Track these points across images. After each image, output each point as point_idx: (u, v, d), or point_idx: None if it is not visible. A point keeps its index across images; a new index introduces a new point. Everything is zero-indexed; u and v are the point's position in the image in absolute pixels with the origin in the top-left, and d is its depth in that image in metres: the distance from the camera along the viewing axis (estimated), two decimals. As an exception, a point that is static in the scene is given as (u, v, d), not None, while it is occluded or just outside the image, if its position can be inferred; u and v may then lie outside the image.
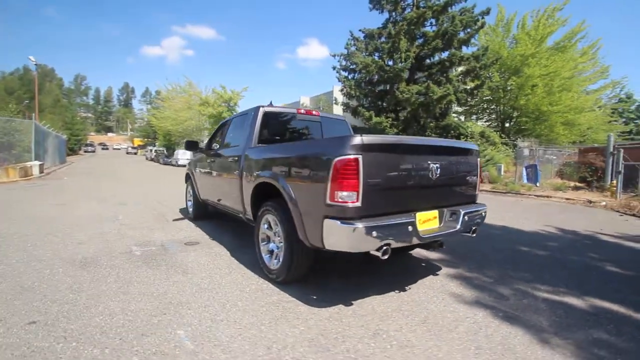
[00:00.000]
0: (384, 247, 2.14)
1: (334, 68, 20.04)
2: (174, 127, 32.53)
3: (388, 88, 17.94)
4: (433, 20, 17.08)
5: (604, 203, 8.66)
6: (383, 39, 17.85)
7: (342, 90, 17.81)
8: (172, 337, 1.97)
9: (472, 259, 3.63)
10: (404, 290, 2.77)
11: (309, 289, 2.71)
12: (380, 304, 2.49)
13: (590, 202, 9.01)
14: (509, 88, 18.91)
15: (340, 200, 2.09)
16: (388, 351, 1.89)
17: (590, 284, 3.01)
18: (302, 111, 4.00)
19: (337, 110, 40.81)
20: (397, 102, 16.90)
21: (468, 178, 2.89)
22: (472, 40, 17.15)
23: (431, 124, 16.95)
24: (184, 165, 29.80)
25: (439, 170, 2.52)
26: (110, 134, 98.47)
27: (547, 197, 10.09)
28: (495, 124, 21.20)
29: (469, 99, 17.21)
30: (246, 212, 3.45)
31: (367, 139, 2.12)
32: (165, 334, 2.01)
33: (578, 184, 12.84)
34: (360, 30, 18.88)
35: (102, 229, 4.64)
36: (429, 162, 2.48)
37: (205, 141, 5.05)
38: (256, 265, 3.21)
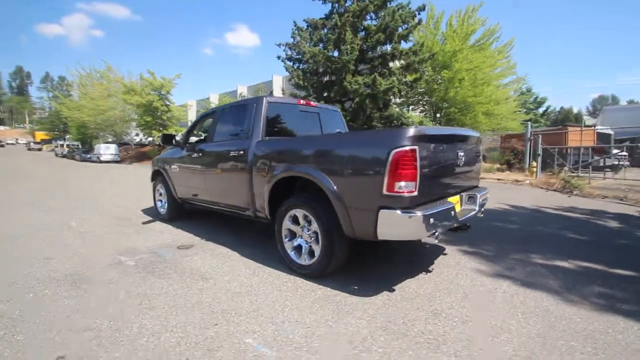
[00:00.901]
0: (436, 232, 2.26)
1: (278, 57, 19.62)
2: (91, 118, 28.39)
3: (334, 79, 18.30)
4: (373, 15, 17.87)
5: (528, 182, 10.22)
6: (326, 30, 18.06)
7: (290, 80, 17.54)
8: (245, 347, 1.82)
9: (462, 237, 4.01)
10: (429, 271, 2.96)
11: (343, 280, 2.71)
12: (418, 286, 2.63)
13: (517, 181, 10.54)
14: (440, 81, 20.76)
15: (398, 190, 2.13)
16: (457, 328, 2.03)
17: (565, 249, 3.59)
18: (302, 102, 3.89)
19: (278, 100, 40.01)
20: (344, 92, 17.34)
21: (477, 164, 3.18)
22: (410, 37, 18.39)
23: (376, 114, 17.81)
24: (109, 162, 26.53)
25: (463, 157, 2.72)
26: (1, 127, 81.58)
27: (481, 178, 11.51)
28: (428, 114, 23.17)
29: (409, 91, 18.44)
30: (256, 209, 3.27)
31: (421, 130, 2.19)
32: (234, 345, 1.85)
33: (500, 166, 14.87)
34: (304, 20, 18.80)
35: (63, 240, 3.93)
36: (458, 150, 2.66)
37: (181, 134, 4.57)
38: (275, 262, 3.09)
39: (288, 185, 3.01)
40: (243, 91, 43.15)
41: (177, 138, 4.73)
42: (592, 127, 17.89)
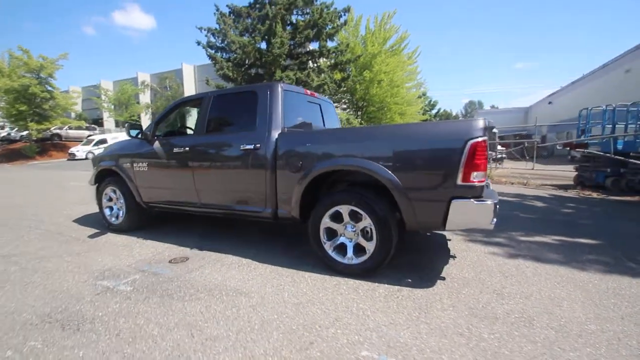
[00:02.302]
0: (495, 219, 2.40)
1: (198, 43, 18.03)
2: None
3: (262, 72, 17.68)
4: (299, 11, 17.87)
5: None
6: (251, 20, 17.29)
7: (218, 70, 16.23)
8: (370, 362, 1.62)
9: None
10: (454, 257, 3.13)
11: (386, 275, 2.65)
12: (459, 271, 2.76)
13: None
14: (362, 81, 22.13)
15: (474, 180, 2.19)
16: (528, 303, 2.20)
17: (530, 226, 4.26)
18: (308, 92, 3.62)
19: (190, 90, 36.81)
20: (273, 87, 16.91)
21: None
22: (335, 37, 19.00)
23: (306, 110, 17.97)
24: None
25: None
26: None
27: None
28: (351, 112, 24.51)
29: (337, 90, 19.09)
30: (277, 209, 2.94)
31: (487, 121, 2.28)
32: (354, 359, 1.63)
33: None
34: (227, 6, 17.59)
35: (10, 277, 2.85)
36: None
37: (148, 125, 3.75)
38: (305, 264, 2.85)
39: (314, 183, 2.78)
40: (146, 79, 38.17)
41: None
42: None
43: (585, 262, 2.96)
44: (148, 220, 4.19)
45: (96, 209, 5.19)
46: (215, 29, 17.31)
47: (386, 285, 2.48)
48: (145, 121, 36.10)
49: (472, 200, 2.20)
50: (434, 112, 48.19)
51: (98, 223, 4.41)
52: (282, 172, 2.83)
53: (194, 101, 3.68)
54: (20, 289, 2.51)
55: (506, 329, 1.91)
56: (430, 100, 46.07)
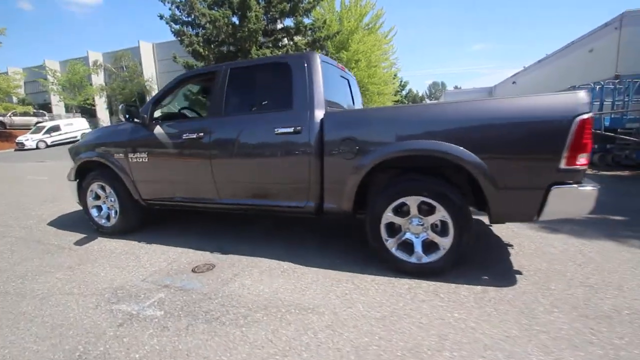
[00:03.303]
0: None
1: (161, 17, 16.32)
2: None
3: (235, 50, 16.45)
4: (273, -18, 16.62)
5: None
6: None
7: (187, 47, 14.82)
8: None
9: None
10: (511, 246, 2.90)
11: (457, 272, 2.35)
12: (529, 263, 2.52)
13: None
14: (339, 61, 21.47)
15: (579, 163, 1.89)
16: (626, 294, 1.99)
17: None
18: (340, 65, 3.13)
19: (150, 70, 34.10)
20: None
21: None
22: (310, 13, 18.03)
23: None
24: None
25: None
26: None
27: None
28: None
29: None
30: (324, 202, 2.50)
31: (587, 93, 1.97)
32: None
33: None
34: (192, -25, 15.91)
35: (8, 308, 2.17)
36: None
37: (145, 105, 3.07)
38: (362, 264, 2.48)
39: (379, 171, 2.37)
40: (98, 58, 34.57)
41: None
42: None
43: (632, 239, 2.85)
44: (143, 220, 3.57)
45: (71, 207, 4.47)
46: (180, 1, 15.72)
47: (465, 285, 2.18)
48: (101, 105, 33.02)
49: (575, 186, 1.91)
50: (404, 92, 48.61)
51: (81, 225, 3.71)
52: (331, 159, 2.38)
53: (203, 76, 3.05)
54: (9, 325, 1.91)
55: (630, 330, 1.68)
56: (401, 81, 46.34)
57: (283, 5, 15.66)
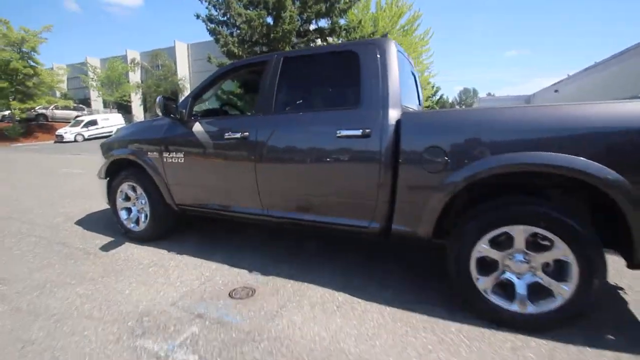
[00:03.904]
0: None
1: (197, 16, 16.51)
2: None
3: (267, 51, 16.32)
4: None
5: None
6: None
7: (222, 47, 14.84)
8: None
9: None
10: (621, 290, 2.29)
11: (570, 332, 1.79)
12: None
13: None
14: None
15: None
16: None
17: None
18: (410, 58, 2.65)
19: (184, 70, 35.06)
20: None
21: None
22: (345, 14, 17.63)
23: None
24: None
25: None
26: None
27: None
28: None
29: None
30: (394, 222, 2.01)
31: None
32: None
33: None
34: (230, -25, 15.99)
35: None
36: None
37: (184, 99, 2.72)
38: (436, 304, 1.95)
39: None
40: (136, 57, 35.90)
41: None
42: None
43: None
44: (174, 227, 3.22)
45: (101, 205, 4.22)
46: (217, 0, 15.81)
47: (589, 349, 1.61)
48: (136, 101, 34.21)
49: None
50: (435, 98, 47.21)
51: (110, 226, 3.43)
52: (409, 172, 1.89)
53: (250, 67, 2.66)
54: (14, 356, 1.56)
55: None
56: (433, 86, 45.03)
57: (319, 6, 15.36)
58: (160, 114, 2.57)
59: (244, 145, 2.39)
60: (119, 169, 3.17)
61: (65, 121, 22.72)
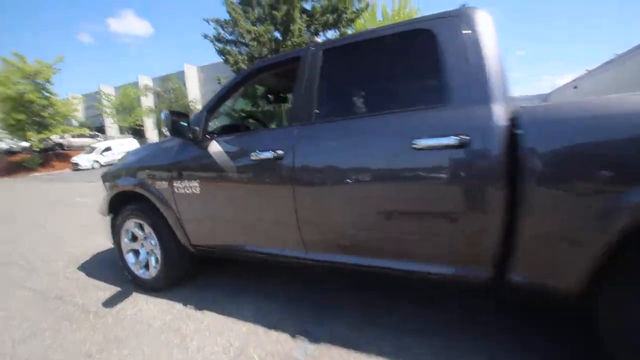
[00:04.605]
0: None
1: (205, 36, 16.52)
2: None
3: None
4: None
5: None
6: (261, 9, 15.66)
7: (233, 66, 14.67)
8: None
9: None
10: None
11: None
12: None
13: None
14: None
15: None
16: None
17: None
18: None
19: (194, 92, 35.57)
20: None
21: None
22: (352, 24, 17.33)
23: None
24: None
25: None
26: None
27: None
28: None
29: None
30: (518, 271, 1.35)
31: None
32: None
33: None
34: (235, -6, 16.00)
35: None
36: None
37: (194, 116, 2.17)
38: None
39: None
40: (147, 82, 36.72)
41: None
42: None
43: None
44: (191, 272, 2.64)
45: (108, 243, 3.68)
46: (224, 20, 15.79)
47: None
48: (149, 125, 34.69)
49: None
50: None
51: (116, 270, 2.87)
52: (541, 195, 1.25)
53: (278, 67, 2.09)
54: None
55: None
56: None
57: (326, 17, 15.10)
58: (170, 133, 2.01)
59: (277, 168, 1.80)
60: (124, 202, 2.63)
61: (82, 149, 22.99)
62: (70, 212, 6.23)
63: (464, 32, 1.46)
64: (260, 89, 2.93)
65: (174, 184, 2.21)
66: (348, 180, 1.62)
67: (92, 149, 20.92)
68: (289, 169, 1.76)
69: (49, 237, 4.38)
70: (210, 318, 2.09)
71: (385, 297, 2.16)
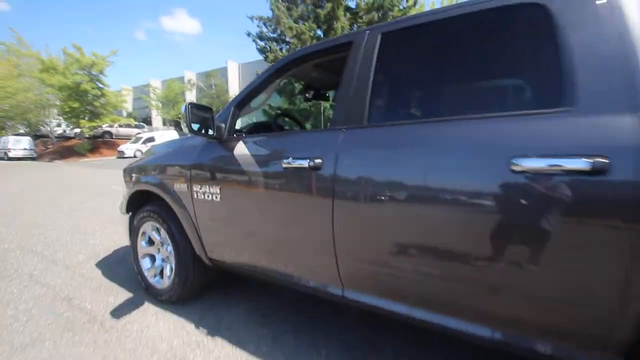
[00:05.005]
0: None
1: (248, 34, 16.65)
2: (-8, 102, 21.86)
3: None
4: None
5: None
6: (306, 6, 15.51)
7: (272, 63, 14.63)
8: None
9: None
10: None
11: None
12: None
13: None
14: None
15: None
16: None
17: None
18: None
19: (234, 89, 36.52)
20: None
21: None
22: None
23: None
24: (21, 158, 20.52)
25: None
26: None
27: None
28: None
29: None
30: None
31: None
32: None
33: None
34: (279, -9, 15.99)
35: None
36: None
37: (218, 116, 1.86)
38: None
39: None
40: (192, 77, 38.31)
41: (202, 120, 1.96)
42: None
43: None
44: (206, 285, 2.35)
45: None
46: (268, 17, 15.81)
47: None
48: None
49: None
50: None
51: (132, 272, 2.66)
52: None
53: (322, 55, 1.71)
54: None
55: None
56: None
57: (371, 15, 14.58)
58: (189, 131, 1.71)
59: (314, 180, 1.43)
60: (143, 202, 2.41)
61: (127, 138, 24.30)
62: (103, 201, 6.32)
63: (597, 1, 0.99)
64: (297, 85, 2.58)
65: (194, 188, 1.92)
66: (409, 205, 1.20)
67: (138, 139, 22.01)
68: (329, 182, 1.37)
69: (77, 227, 4.35)
70: (221, 349, 1.77)
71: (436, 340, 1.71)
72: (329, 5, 13.68)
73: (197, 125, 1.69)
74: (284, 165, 1.52)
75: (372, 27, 1.49)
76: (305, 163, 1.44)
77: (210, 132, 1.74)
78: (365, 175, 1.30)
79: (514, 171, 0.99)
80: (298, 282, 1.64)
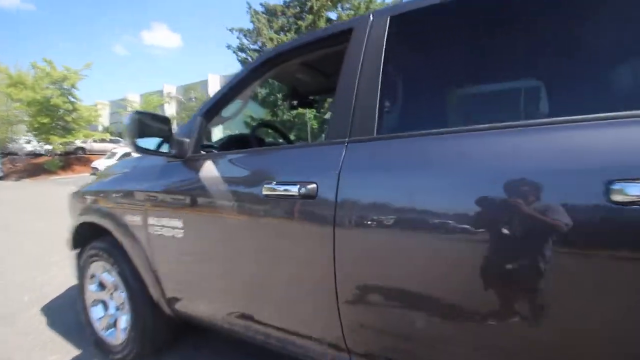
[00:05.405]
0: None
1: (228, 47, 16.39)
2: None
3: (299, 76, 15.67)
4: (342, 5, 15.83)
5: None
6: (286, 18, 15.40)
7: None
8: None
9: None
10: None
11: None
12: None
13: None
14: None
15: None
16: None
17: None
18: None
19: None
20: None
21: None
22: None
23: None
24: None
25: None
26: None
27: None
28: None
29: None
30: None
31: None
32: None
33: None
34: (260, 4, 15.87)
35: None
36: None
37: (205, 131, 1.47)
38: None
39: None
40: (171, 91, 37.61)
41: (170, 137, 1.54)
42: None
43: None
44: (168, 340, 1.89)
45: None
46: (248, 29, 15.61)
47: None
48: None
49: None
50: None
51: (82, 321, 2.16)
52: None
53: (311, 49, 1.34)
54: None
55: None
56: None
57: (352, 27, 14.59)
58: (132, 149, 1.30)
59: (306, 211, 1.05)
60: (92, 235, 1.95)
61: (102, 153, 23.20)
62: (64, 226, 5.67)
63: None
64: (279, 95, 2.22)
65: (149, 222, 1.49)
66: (447, 245, 0.84)
67: (113, 154, 21.00)
68: (327, 216, 0.99)
69: (30, 259, 3.77)
70: None
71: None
72: (309, 17, 13.60)
73: (148, 141, 1.28)
74: (265, 192, 1.13)
75: (375, 12, 1.14)
76: (293, 189, 1.06)
77: (166, 149, 1.33)
78: (379, 205, 0.93)
79: (614, 203, 0.64)
80: (284, 347, 1.23)
